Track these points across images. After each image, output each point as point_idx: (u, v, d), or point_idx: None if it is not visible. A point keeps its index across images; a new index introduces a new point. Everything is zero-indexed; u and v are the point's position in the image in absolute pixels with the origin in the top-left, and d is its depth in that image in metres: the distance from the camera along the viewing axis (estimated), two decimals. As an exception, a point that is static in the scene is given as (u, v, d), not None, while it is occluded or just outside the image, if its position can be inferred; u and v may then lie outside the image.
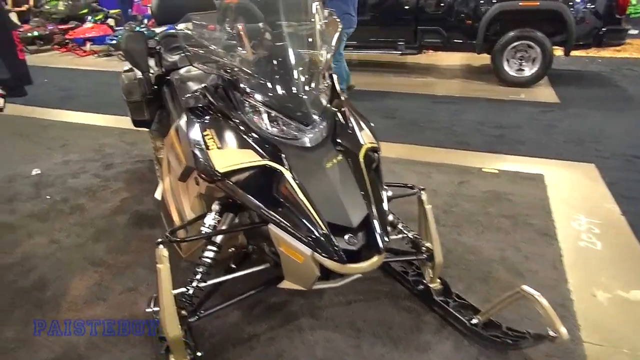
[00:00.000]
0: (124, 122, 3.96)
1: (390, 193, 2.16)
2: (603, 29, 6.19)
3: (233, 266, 2.01)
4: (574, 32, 6.10)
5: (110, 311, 2.16)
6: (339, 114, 2.00)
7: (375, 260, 1.63)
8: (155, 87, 3.05)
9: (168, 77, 2.91)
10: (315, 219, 1.60)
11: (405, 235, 2.19)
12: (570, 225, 2.93)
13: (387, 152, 4.16)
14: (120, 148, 4.34)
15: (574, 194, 3.38)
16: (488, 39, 6.53)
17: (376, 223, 1.67)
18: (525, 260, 2.55)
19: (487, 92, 6.52)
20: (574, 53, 6.65)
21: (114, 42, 8.89)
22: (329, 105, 1.99)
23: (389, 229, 2.18)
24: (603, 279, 2.39)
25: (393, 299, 2.23)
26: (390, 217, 2.17)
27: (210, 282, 1.84)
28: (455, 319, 2.01)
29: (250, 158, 1.72)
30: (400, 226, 2.19)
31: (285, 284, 1.80)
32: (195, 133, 1.85)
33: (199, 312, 1.81)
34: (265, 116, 1.85)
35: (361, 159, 1.82)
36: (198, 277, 1.79)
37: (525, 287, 1.75)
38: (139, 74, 2.98)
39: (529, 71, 6.45)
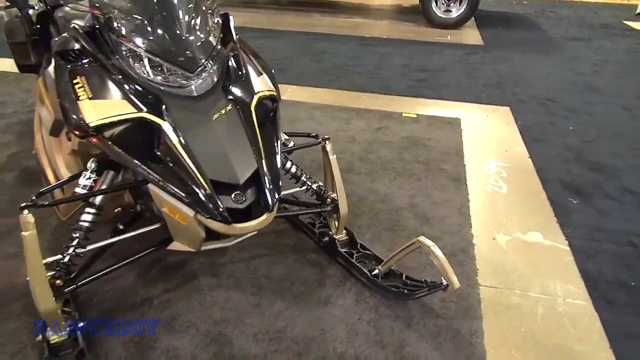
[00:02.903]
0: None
1: (291, 144, 2.06)
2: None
3: (120, 227, 1.86)
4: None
5: (-11, 280, 1.97)
6: (232, 59, 1.83)
7: (264, 218, 1.53)
8: (40, 26, 2.69)
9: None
10: (198, 177, 1.47)
11: (309, 186, 2.12)
12: (480, 169, 2.98)
13: (310, 98, 4.05)
14: (14, 95, 3.91)
15: (487, 137, 3.43)
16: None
17: (266, 178, 1.56)
18: (433, 206, 2.57)
19: (415, 33, 6.45)
20: (500, -6, 6.66)
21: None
22: (220, 48, 1.81)
23: (293, 181, 2.11)
24: (505, 222, 2.46)
25: (299, 252, 2.17)
26: (293, 169, 2.08)
27: (90, 247, 1.69)
28: (358, 270, 1.99)
29: (125, 110, 1.53)
30: (303, 178, 2.10)
31: (175, 246, 1.69)
32: (64, 81, 1.62)
33: (79, 280, 1.67)
34: (146, 61, 1.64)
35: (253, 109, 1.68)
36: (74, 242, 1.63)
37: (422, 238, 1.74)
38: None
39: (456, 12, 6.40)
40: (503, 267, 2.13)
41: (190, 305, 1.86)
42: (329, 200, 2.11)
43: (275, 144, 1.71)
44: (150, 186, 1.53)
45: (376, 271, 1.93)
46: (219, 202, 1.46)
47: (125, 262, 1.75)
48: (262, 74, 1.88)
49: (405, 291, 1.81)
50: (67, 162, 1.76)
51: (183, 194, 1.47)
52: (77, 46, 1.70)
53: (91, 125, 1.50)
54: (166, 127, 1.51)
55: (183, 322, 1.79)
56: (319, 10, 7.75)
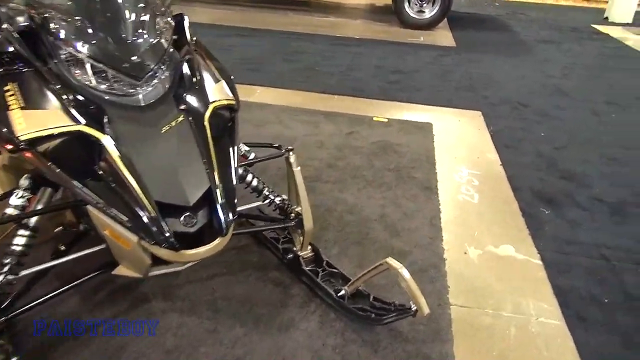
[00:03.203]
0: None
1: (252, 155, 1.93)
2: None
3: (62, 248, 1.69)
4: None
5: None
6: (186, 64, 1.68)
7: (216, 243, 1.40)
8: None
9: None
10: (141, 199, 1.32)
11: (271, 200, 1.99)
12: (452, 177, 2.90)
13: (279, 100, 3.91)
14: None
15: (459, 143, 3.36)
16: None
17: (219, 198, 1.42)
18: (404, 217, 2.47)
19: (388, 34, 6.37)
20: (472, -5, 6.65)
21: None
22: (173, 52, 1.66)
23: (255, 195, 1.98)
24: (476, 234, 2.38)
25: (261, 270, 2.04)
26: (255, 182, 1.95)
27: (26, 271, 1.52)
28: (323, 290, 1.87)
29: (60, 122, 1.37)
30: (266, 191, 1.97)
31: (120, 270, 1.53)
32: None
33: (12, 309, 1.50)
34: (88, 67, 1.48)
35: (206, 120, 1.53)
36: (5, 269, 1.46)
37: (390, 260, 1.63)
38: None
39: (429, 13, 6.35)
40: (475, 284, 2.04)
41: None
42: (293, 214, 1.99)
43: (232, 159, 1.57)
44: (90, 207, 1.37)
45: (342, 292, 1.82)
46: (165, 227, 1.32)
47: (66, 288, 1.59)
48: (219, 80, 1.73)
49: (373, 315, 1.70)
50: (2, 178, 1.58)
51: (125, 218, 1.32)
52: (10, 49, 1.53)
53: (22, 138, 1.33)
54: (106, 141, 1.36)
55: (130, 352, 1.63)
56: (293, 9, 7.59)
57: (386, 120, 3.67)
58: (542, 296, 1.99)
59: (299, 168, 1.94)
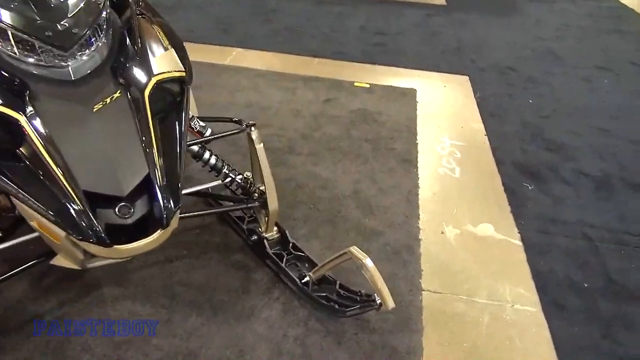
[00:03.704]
0: None
1: (208, 132, 1.76)
2: None
3: (-1, 234, 1.54)
4: None
5: None
6: (127, 31, 1.49)
7: (156, 237, 1.25)
8: None
9: None
10: (67, 189, 1.17)
11: (232, 179, 1.84)
12: (433, 149, 2.76)
13: (255, 63, 3.69)
14: None
15: (443, 111, 3.20)
16: None
17: (159, 186, 1.27)
18: (379, 193, 2.34)
19: (375, -10, 6.04)
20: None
21: None
22: (111, 17, 1.47)
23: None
24: (455, 211, 2.26)
25: (223, 252, 1.92)
26: (213, 160, 1.79)
27: None
28: (287, 275, 1.76)
29: None
30: (225, 170, 1.82)
31: (58, 261, 1.39)
32: None
33: None
34: (9, 35, 1.29)
35: (146, 96, 1.36)
36: None
37: (353, 249, 1.50)
38: None
39: (418, -32, 6.00)
40: (450, 268, 1.94)
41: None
42: (256, 194, 1.84)
43: (179, 139, 1.41)
44: (13, 197, 1.21)
45: (306, 278, 1.70)
46: (94, 220, 1.17)
47: (1, 278, 1.45)
48: (167, 49, 1.54)
49: (336, 306, 1.59)
50: None
51: (49, 211, 1.17)
52: None
53: None
54: (25, 123, 1.18)
55: (76, 344, 1.52)
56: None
57: (368, 85, 3.48)
58: (520, 280, 1.90)
59: (261, 145, 1.78)
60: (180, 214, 1.63)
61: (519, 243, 2.09)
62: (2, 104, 1.19)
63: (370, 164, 2.56)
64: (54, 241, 1.25)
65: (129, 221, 1.23)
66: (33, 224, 1.25)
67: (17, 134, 1.20)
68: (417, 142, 2.80)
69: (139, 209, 1.25)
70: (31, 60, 1.30)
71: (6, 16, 1.25)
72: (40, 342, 1.51)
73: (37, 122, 1.20)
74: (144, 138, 1.30)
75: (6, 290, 1.65)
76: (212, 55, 3.74)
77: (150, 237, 1.24)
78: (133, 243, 1.22)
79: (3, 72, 1.26)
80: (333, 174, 2.45)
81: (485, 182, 2.50)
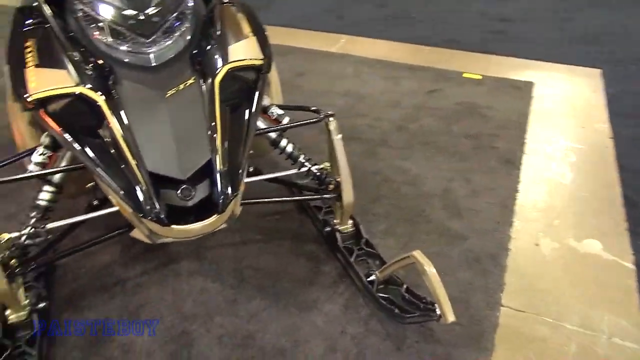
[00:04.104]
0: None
1: (286, 120, 1.76)
2: None
3: (95, 203, 1.71)
4: None
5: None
6: (212, 19, 1.53)
7: (211, 221, 1.28)
8: None
9: None
10: (134, 169, 1.24)
11: (308, 168, 1.82)
12: (543, 150, 2.48)
13: (362, 51, 3.64)
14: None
15: (563, 108, 2.86)
16: None
17: (219, 172, 1.29)
18: (471, 194, 2.16)
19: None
20: None
21: None
22: (198, 4, 1.52)
23: (295, 162, 1.83)
24: (557, 222, 2.01)
25: (297, 241, 1.92)
26: (289, 148, 1.79)
27: (51, 225, 1.56)
28: (354, 272, 1.70)
29: (64, 82, 1.32)
30: (302, 159, 1.81)
31: (136, 234, 1.50)
32: (16, 43, 1.44)
33: (39, 259, 1.55)
34: (102, 24, 1.41)
35: (217, 83, 1.39)
36: (32, 222, 1.50)
37: (417, 254, 1.40)
38: None
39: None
40: (538, 285, 1.73)
41: (162, 293, 1.70)
42: (332, 185, 1.81)
43: (247, 127, 1.43)
44: (94, 173, 1.33)
45: (372, 277, 1.64)
46: (155, 200, 1.23)
47: (91, 243, 1.61)
48: (247, 37, 1.56)
49: (396, 310, 1.50)
50: (30, 133, 1.61)
51: (119, 188, 1.26)
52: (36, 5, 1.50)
53: (29, 99, 1.31)
54: (104, 105, 1.28)
55: (150, 311, 1.64)
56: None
57: (480, 77, 3.23)
58: (624, 311, 1.63)
59: (339, 136, 1.73)
60: (249, 199, 1.67)
61: (632, 267, 1.79)
62: (86, 87, 1.30)
63: (466, 162, 2.38)
64: (126, 215, 1.35)
65: (189, 204, 1.27)
66: (110, 197, 1.36)
67: (98, 115, 1.30)
68: (524, 141, 2.54)
69: (199, 192, 1.29)
70: (120, 47, 1.41)
71: (100, 7, 1.36)
72: (120, 304, 1.65)
73: (114, 105, 1.29)
74: (212, 124, 1.33)
75: (100, 253, 1.83)
76: (320, 42, 3.76)
77: (206, 220, 1.27)
78: (189, 225, 1.27)
79: (95, 58, 1.38)
80: (423, 170, 2.33)
81: (601, 192, 2.18)
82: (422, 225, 2.00)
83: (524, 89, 3.06)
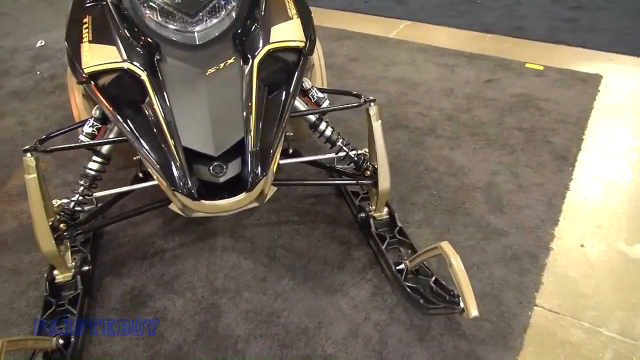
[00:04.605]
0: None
1: (326, 103, 1.77)
2: None
3: (141, 175, 1.80)
4: None
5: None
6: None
7: (240, 198, 1.32)
8: None
9: None
10: (170, 144, 1.30)
11: (346, 153, 1.82)
12: (603, 147, 2.33)
13: (420, 38, 3.55)
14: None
15: (631, 103, 2.67)
16: None
17: (250, 151, 1.32)
18: (517, 189, 2.08)
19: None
20: None
21: None
22: None
23: (329, 146, 1.83)
24: (607, 224, 1.89)
25: (331, 224, 1.94)
26: (328, 132, 1.79)
27: (100, 194, 1.67)
28: (384, 259, 1.70)
29: (113, 57, 1.40)
30: (340, 143, 1.81)
31: (173, 207, 1.57)
32: (75, 18, 1.54)
33: (87, 225, 1.67)
34: (153, 3, 1.48)
35: (256, 63, 1.42)
36: (80, 189, 1.61)
37: (445, 245, 1.37)
38: None
39: None
40: (578, 288, 1.64)
41: (197, 266, 1.78)
42: (367, 172, 1.80)
43: (283, 108, 1.45)
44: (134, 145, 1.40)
45: (402, 266, 1.62)
46: (187, 175, 1.28)
47: (132, 213, 1.71)
48: (292, 18, 1.58)
49: (421, 300, 1.48)
50: (83, 105, 1.72)
51: (156, 162, 1.32)
52: None
53: (84, 71, 1.41)
54: (147, 81, 1.35)
55: (184, 282, 1.72)
56: None
57: (541, 67, 3.06)
58: (672, 323, 1.52)
59: (379, 122, 1.71)
60: (284, 180, 1.69)
61: (687, 277, 1.66)
62: (133, 63, 1.37)
63: (516, 156, 2.28)
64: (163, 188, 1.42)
65: (220, 180, 1.32)
66: (150, 170, 1.43)
67: (142, 90, 1.37)
68: (583, 137, 2.40)
69: (231, 170, 1.33)
70: (168, 26, 1.47)
71: None
72: (157, 273, 1.75)
73: (157, 81, 1.35)
74: (248, 104, 1.37)
75: (143, 224, 1.94)
76: (378, 28, 3.70)
77: (235, 198, 1.31)
78: (218, 201, 1.31)
79: (145, 36, 1.45)
80: (469, 162, 2.26)
81: (662, 195, 2.03)
82: (461, 217, 1.95)
83: (589, 82, 2.87)
